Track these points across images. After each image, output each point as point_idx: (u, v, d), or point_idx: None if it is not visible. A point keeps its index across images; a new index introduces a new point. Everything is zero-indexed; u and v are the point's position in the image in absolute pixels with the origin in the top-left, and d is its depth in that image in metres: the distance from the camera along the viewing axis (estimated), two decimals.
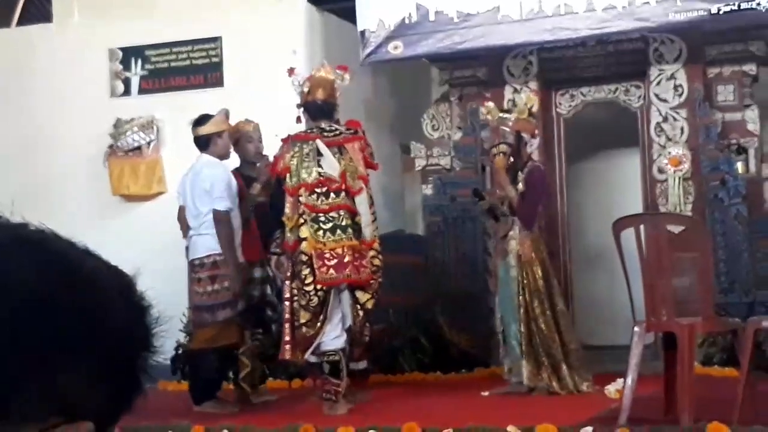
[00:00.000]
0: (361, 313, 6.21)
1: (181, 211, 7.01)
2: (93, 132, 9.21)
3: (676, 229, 5.60)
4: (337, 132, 6.36)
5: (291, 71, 6.67)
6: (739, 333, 5.40)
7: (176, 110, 9.20)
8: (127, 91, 9.54)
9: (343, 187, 6.20)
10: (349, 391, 6.30)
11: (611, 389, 6.44)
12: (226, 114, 6.97)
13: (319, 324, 6.15)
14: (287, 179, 6.28)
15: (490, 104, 7.46)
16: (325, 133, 6.34)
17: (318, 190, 6.21)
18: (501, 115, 7.28)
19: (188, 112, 9.10)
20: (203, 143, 6.83)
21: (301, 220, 6.19)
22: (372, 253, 6.23)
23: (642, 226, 5.36)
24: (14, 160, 9.45)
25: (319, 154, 6.25)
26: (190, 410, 6.68)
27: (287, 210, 6.25)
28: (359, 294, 6.21)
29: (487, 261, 8.47)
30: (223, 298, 6.54)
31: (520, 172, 7.06)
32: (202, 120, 6.92)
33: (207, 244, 6.61)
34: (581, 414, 5.58)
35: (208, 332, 6.61)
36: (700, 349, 7.18)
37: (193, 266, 6.71)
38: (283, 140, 6.49)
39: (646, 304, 5.27)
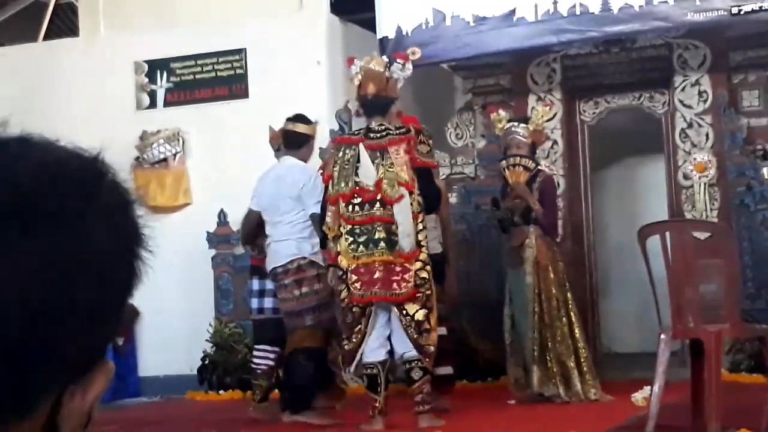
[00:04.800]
0: (413, 324, 5.81)
1: (253, 215, 6.77)
2: (119, 144, 9.27)
3: (702, 235, 5.59)
4: (384, 133, 5.96)
5: (350, 61, 6.27)
6: (767, 339, 5.37)
7: (202, 122, 9.28)
8: (152, 104, 9.62)
9: (379, 196, 5.84)
10: (432, 398, 6.07)
11: (638, 397, 6.42)
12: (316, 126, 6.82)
13: (356, 338, 5.89)
14: (329, 187, 5.98)
15: (502, 113, 7.49)
16: (372, 134, 5.96)
17: (354, 201, 5.87)
18: (510, 124, 7.30)
19: (213, 124, 9.21)
20: (296, 142, 6.62)
21: (340, 232, 5.91)
22: (418, 265, 5.81)
23: (668, 233, 5.35)
24: None
25: (359, 160, 5.92)
26: (216, 420, 6.70)
27: (328, 219, 5.93)
28: (407, 306, 5.83)
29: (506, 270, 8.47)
30: (310, 302, 6.38)
31: (533, 181, 7.10)
32: (302, 118, 6.71)
33: (287, 251, 6.42)
34: (608, 422, 5.57)
35: (297, 336, 6.42)
36: (727, 355, 7.16)
37: (276, 274, 6.50)
38: (331, 142, 6.26)
39: (673, 311, 5.25)
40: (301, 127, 6.66)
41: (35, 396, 0.72)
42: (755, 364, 7.21)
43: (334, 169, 5.98)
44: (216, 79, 9.44)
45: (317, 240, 6.26)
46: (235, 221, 8.86)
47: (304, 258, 6.40)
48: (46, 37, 10.37)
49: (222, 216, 8.89)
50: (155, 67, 9.59)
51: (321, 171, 6.36)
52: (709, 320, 5.19)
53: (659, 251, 5.26)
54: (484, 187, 8.71)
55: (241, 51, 9.37)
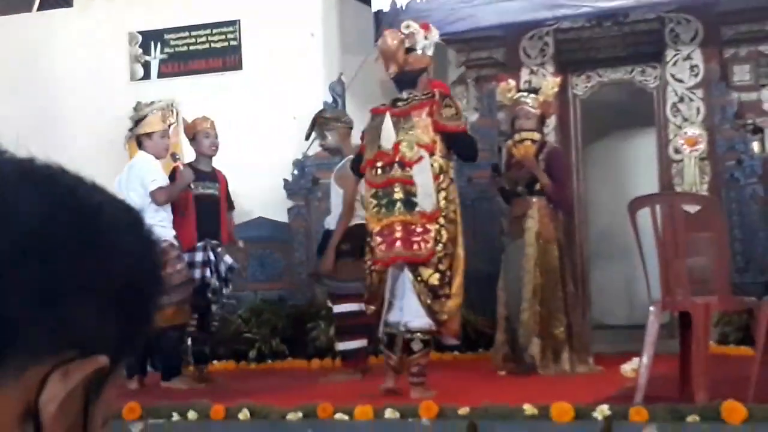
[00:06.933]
0: (425, 289, 5.85)
1: None
2: (113, 116, 9.30)
3: (691, 208, 5.63)
4: (410, 100, 6.05)
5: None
6: (755, 312, 5.44)
7: (196, 93, 9.29)
8: (146, 75, 9.63)
9: (397, 158, 5.95)
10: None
11: (627, 368, 6.49)
12: (163, 115, 7.35)
13: (378, 303, 5.99)
14: (363, 157, 6.19)
15: (512, 82, 7.48)
16: (399, 103, 6.08)
17: (377, 165, 6.02)
18: (519, 94, 7.31)
19: (208, 95, 9.22)
20: (138, 143, 7.24)
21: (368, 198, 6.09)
22: (436, 226, 5.87)
23: (658, 206, 5.40)
24: (34, 144, 9.44)
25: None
26: (208, 390, 6.77)
27: (363, 188, 6.21)
28: (421, 270, 5.87)
29: (504, 241, 8.53)
30: (176, 281, 6.79)
31: (539, 153, 7.11)
32: (137, 121, 7.30)
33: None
34: (597, 393, 5.63)
35: (166, 312, 6.74)
36: (715, 328, 7.24)
37: None
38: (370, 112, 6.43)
39: (662, 284, 5.31)
40: (135, 131, 7.30)
41: (10, 352, 0.74)
42: (743, 336, 7.30)
43: (367, 139, 6.18)
44: (210, 50, 9.44)
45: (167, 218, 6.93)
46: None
47: (165, 240, 6.74)
48: (40, 8, 10.35)
49: None
50: (149, 38, 9.59)
51: (360, 142, 6.52)
52: (698, 293, 5.25)
53: (649, 224, 5.32)
54: (478, 160, 8.74)
55: (234, 22, 9.38)
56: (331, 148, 7.48)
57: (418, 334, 5.93)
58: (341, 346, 7.20)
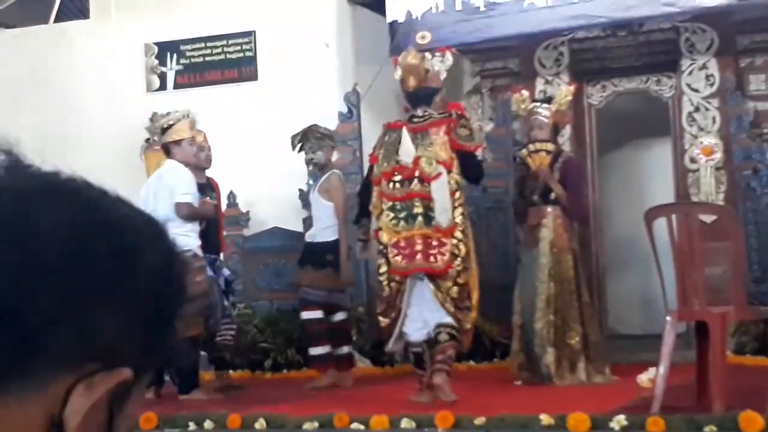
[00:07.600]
0: (448, 299, 6.05)
1: None
2: (130, 126, 9.34)
3: (708, 218, 5.63)
4: (427, 117, 6.27)
5: (396, 61, 6.69)
6: None
7: (211, 104, 9.31)
8: (162, 86, 9.66)
9: (417, 173, 6.12)
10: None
11: (644, 378, 6.48)
12: (190, 122, 7.25)
13: (394, 314, 6.13)
14: (374, 168, 6.36)
15: (525, 93, 7.50)
16: (416, 119, 6.29)
17: (394, 178, 6.19)
18: (533, 105, 7.32)
19: (223, 106, 9.25)
20: (166, 151, 7.16)
21: (382, 209, 6.22)
22: (454, 240, 6.08)
23: (674, 216, 5.39)
24: (51, 154, 9.41)
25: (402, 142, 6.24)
26: (226, 399, 6.79)
27: (374, 198, 6.30)
28: (440, 282, 6.06)
29: (519, 251, 8.52)
30: (194, 292, 6.71)
31: (555, 163, 7.11)
32: (164, 129, 7.23)
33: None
34: (614, 403, 5.62)
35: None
36: (732, 337, 7.20)
37: None
38: (383, 126, 6.58)
39: (678, 294, 5.30)
40: (163, 139, 7.21)
41: (35, 363, 0.75)
42: (760, 346, 7.27)
43: (380, 151, 6.34)
44: (225, 61, 9.47)
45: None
46: (246, 202, 8.95)
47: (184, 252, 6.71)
48: (57, 19, 10.41)
49: (231, 197, 8.94)
50: (165, 49, 9.62)
51: (370, 154, 6.70)
52: (715, 302, 5.24)
53: (665, 234, 5.31)
54: (492, 170, 8.74)
55: (250, 33, 9.41)
56: (317, 163, 7.59)
57: (446, 327, 6.05)
58: (312, 351, 7.41)
